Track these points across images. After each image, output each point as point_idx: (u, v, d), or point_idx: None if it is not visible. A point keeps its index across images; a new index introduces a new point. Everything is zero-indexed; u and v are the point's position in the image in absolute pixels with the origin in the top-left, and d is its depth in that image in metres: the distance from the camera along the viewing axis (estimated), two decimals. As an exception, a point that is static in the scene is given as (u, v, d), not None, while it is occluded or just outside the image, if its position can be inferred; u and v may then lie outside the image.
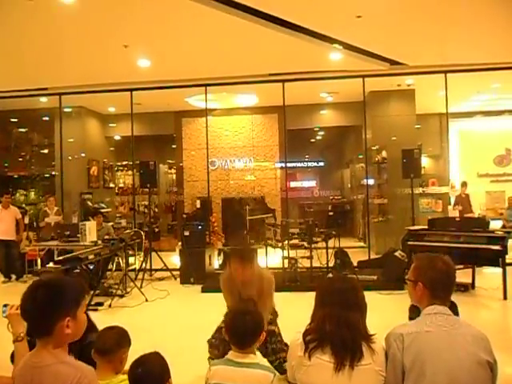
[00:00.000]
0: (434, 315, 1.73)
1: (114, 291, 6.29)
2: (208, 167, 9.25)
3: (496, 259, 5.64)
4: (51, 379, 1.42)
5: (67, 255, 6.47)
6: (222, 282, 3.35)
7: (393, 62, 7.05)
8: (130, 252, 7.48)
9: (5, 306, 1.90)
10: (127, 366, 2.02)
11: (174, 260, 8.13)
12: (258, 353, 2.01)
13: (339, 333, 1.68)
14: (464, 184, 9.10)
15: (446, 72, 7.75)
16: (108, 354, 1.95)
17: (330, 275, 1.92)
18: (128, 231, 7.32)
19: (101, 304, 5.79)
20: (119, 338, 2.02)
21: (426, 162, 10.76)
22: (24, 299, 1.48)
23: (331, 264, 6.77)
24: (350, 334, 1.68)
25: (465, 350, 1.63)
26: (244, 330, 1.88)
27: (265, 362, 1.99)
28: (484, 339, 1.69)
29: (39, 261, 7.64)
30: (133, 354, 2.07)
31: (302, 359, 1.69)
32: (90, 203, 9.76)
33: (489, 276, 6.53)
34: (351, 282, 1.89)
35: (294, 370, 1.74)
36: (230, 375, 1.81)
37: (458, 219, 6.52)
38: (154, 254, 7.84)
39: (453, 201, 8.91)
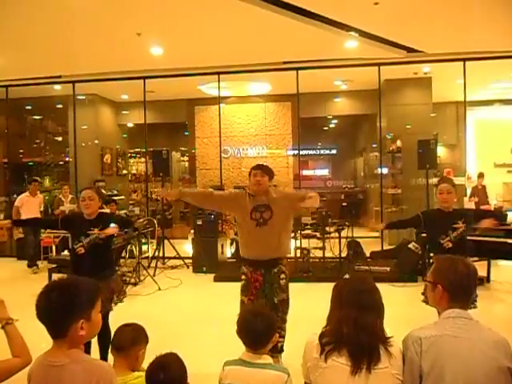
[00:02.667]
0: (454, 319, 1.69)
1: (128, 279, 6.36)
2: (221, 155, 9.23)
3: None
4: (68, 379, 1.44)
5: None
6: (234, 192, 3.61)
7: (410, 50, 6.88)
8: (143, 240, 7.54)
9: None
10: (145, 363, 2.02)
11: (187, 248, 8.17)
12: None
13: (356, 336, 1.65)
14: (481, 175, 8.95)
15: (464, 60, 7.57)
16: (124, 350, 1.96)
17: (347, 276, 1.85)
18: (141, 220, 7.36)
19: (114, 292, 5.86)
20: (135, 335, 2.02)
21: (441, 151, 10.58)
22: (39, 301, 1.49)
23: (344, 254, 6.75)
24: (367, 337, 1.65)
25: (485, 355, 1.59)
26: (255, 332, 1.86)
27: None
28: (505, 344, 1.65)
29: (54, 248, 7.76)
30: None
31: (318, 361, 1.67)
32: (103, 191, 9.83)
33: (504, 269, 6.45)
34: (369, 282, 1.84)
35: (309, 371, 1.72)
36: (244, 376, 1.80)
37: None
38: (166, 241, 7.89)
39: (469, 192, 8.77)
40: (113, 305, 3.43)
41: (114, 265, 3.84)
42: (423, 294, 3.53)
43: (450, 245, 3.42)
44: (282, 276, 3.39)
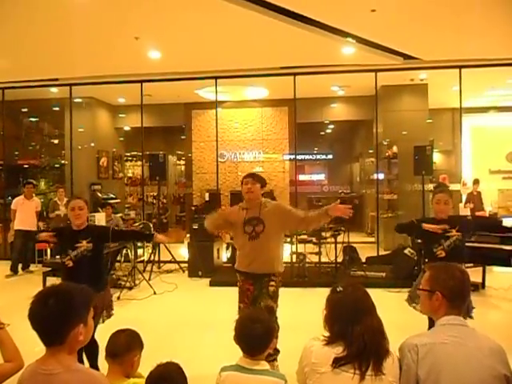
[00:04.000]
0: (451, 326, 1.70)
1: (123, 283, 6.33)
2: (217, 159, 9.23)
3: (508, 259, 5.57)
4: None
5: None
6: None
7: (407, 57, 6.93)
8: (139, 244, 7.51)
9: None
10: (141, 368, 2.01)
11: (182, 252, 8.15)
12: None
13: (378, 342, 1.68)
14: (476, 181, 8.99)
15: (460, 67, 7.63)
16: (118, 356, 1.94)
17: (340, 288, 1.83)
18: (137, 224, 7.33)
19: (109, 296, 5.82)
20: (130, 341, 2.00)
21: (436, 157, 10.63)
22: (34, 310, 1.45)
23: (339, 260, 6.75)
24: (384, 341, 1.69)
25: (481, 362, 1.60)
26: (253, 338, 1.84)
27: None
28: (501, 352, 1.66)
29: (49, 251, 7.71)
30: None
31: (316, 366, 1.67)
32: (99, 194, 9.80)
33: (499, 275, 6.47)
34: (360, 286, 1.86)
35: (306, 376, 1.71)
36: (241, 382, 1.79)
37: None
38: (162, 245, 7.85)
39: (464, 198, 8.81)
40: (101, 320, 3.28)
41: (105, 278, 3.62)
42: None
43: (444, 254, 3.38)
44: (272, 283, 3.32)
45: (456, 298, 1.74)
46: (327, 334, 1.76)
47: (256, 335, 1.84)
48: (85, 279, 3.20)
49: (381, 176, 9.34)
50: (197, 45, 6.39)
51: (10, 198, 8.65)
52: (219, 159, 9.47)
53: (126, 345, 1.97)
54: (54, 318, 1.42)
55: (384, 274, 6.54)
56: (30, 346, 1.51)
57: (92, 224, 3.50)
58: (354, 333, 1.67)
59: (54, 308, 1.42)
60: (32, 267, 7.72)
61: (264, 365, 1.84)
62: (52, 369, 1.43)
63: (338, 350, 1.67)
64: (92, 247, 3.28)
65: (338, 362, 1.64)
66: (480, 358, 1.61)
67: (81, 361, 3.28)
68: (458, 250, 3.41)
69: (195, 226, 7.24)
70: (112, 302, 3.51)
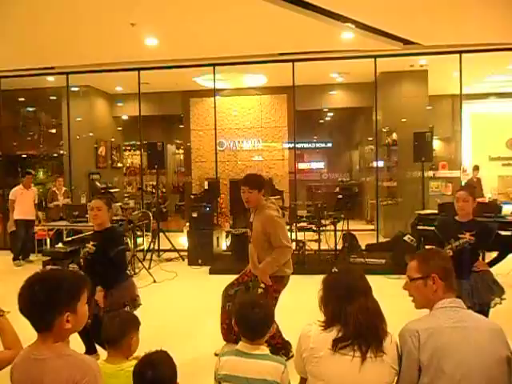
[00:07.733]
0: (449, 309, 1.70)
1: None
2: (216, 148, 9.18)
3: (507, 245, 5.55)
4: (52, 373, 1.41)
5: (76, 236, 6.53)
6: None
7: (406, 42, 6.86)
8: (138, 233, 7.51)
9: None
10: (141, 351, 2.00)
11: (182, 241, 8.15)
12: None
13: (374, 323, 1.68)
14: (476, 168, 8.97)
15: (460, 52, 7.55)
16: (114, 342, 1.94)
17: (335, 269, 1.83)
18: (136, 212, 7.32)
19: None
20: (123, 325, 1.99)
21: (436, 144, 10.59)
22: (21, 295, 1.44)
23: (339, 247, 6.75)
24: (381, 321, 1.70)
25: (483, 346, 1.60)
26: (253, 322, 1.84)
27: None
28: (500, 333, 1.67)
29: (48, 241, 7.70)
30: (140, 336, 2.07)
31: (314, 351, 1.67)
32: (98, 183, 9.78)
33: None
34: (356, 269, 1.89)
35: (304, 362, 1.71)
36: (240, 366, 1.78)
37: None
38: (161, 234, 7.85)
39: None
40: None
41: (116, 278, 3.30)
42: None
43: (451, 253, 3.28)
44: (262, 285, 3.34)
45: (449, 276, 1.76)
46: (323, 318, 1.76)
47: (255, 319, 1.83)
48: (92, 281, 3.22)
49: (380, 163, 9.32)
50: (194, 31, 6.31)
51: (8, 188, 8.63)
52: (218, 148, 9.43)
53: (120, 330, 1.96)
54: (38, 305, 1.41)
55: (384, 261, 6.55)
56: (30, 333, 1.50)
57: (111, 228, 3.36)
58: (348, 312, 1.67)
59: (39, 295, 1.41)
60: (32, 257, 7.72)
61: (264, 349, 1.84)
62: (41, 354, 1.43)
63: (335, 334, 1.67)
64: (94, 251, 3.25)
65: (336, 344, 1.64)
66: (481, 341, 1.61)
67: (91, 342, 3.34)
68: (466, 252, 3.30)
69: (194, 215, 7.24)
70: (126, 303, 3.30)
